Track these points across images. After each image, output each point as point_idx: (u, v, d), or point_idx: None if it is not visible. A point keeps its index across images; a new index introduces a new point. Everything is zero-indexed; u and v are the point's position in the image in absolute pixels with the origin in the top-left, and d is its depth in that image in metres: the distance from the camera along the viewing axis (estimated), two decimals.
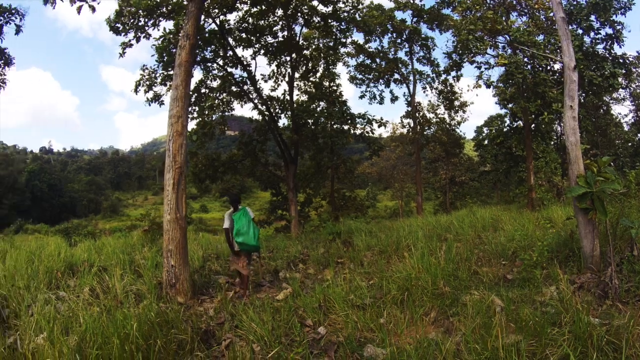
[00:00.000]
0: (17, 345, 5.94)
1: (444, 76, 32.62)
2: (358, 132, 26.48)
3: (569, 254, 9.00)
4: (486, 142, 43.32)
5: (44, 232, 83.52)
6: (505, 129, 38.21)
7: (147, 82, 25.13)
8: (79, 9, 9.37)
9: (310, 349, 5.84)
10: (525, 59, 25.62)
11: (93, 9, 9.49)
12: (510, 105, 32.92)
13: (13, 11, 25.68)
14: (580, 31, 25.25)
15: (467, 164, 48.83)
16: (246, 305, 7.71)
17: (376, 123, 25.99)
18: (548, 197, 25.04)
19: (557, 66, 25.98)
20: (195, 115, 26.82)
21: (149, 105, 25.73)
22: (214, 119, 27.80)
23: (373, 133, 26.49)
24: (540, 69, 26.00)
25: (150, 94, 25.18)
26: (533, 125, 29.56)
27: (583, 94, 26.77)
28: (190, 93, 26.50)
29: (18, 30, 25.98)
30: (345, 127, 26.78)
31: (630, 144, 45.31)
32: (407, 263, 8.77)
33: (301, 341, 6.04)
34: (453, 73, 29.67)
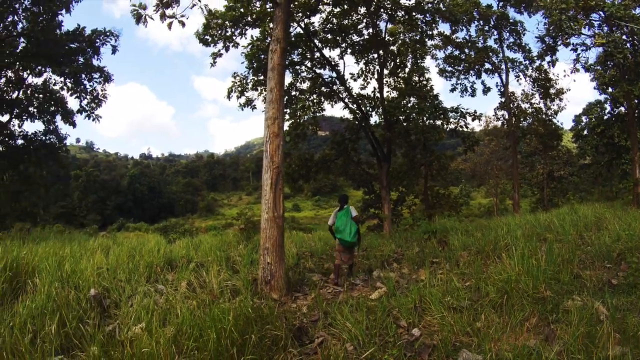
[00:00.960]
0: (116, 333, 6.16)
1: (537, 62, 30.90)
2: (451, 126, 25.78)
3: None
4: (585, 132, 42.23)
5: (143, 230, 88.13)
6: (606, 117, 37.31)
7: (239, 88, 25.90)
8: (170, 25, 9.74)
9: (404, 351, 5.72)
10: (625, 37, 23.31)
11: (183, 24, 9.78)
12: (610, 90, 31.51)
13: (108, 33, 27.50)
14: None
15: (566, 157, 46.36)
16: (340, 303, 7.69)
17: (470, 116, 25.17)
18: None
19: None
20: (287, 117, 27.27)
21: (242, 109, 26.38)
22: (305, 119, 28.17)
23: (467, 127, 25.62)
24: None
25: (242, 99, 25.92)
26: (637, 111, 27.33)
27: None
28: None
29: (114, 50, 27.78)
30: (438, 122, 26.13)
31: None
32: (506, 264, 8.46)
33: (395, 342, 5.96)
34: (547, 58, 27.70)
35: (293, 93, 27.42)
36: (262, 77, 25.00)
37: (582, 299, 6.81)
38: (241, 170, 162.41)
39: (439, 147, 34.27)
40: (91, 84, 27.44)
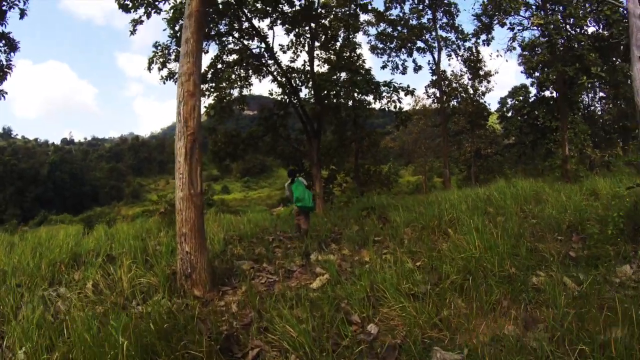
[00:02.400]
0: None
1: (472, 40, 30.60)
2: (384, 101, 24.77)
3: (636, 228, 8.05)
4: (510, 113, 43.17)
5: (67, 222, 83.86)
6: (531, 100, 38.07)
7: (161, 59, 24.00)
8: None
9: (366, 358, 4.50)
10: (561, 19, 23.83)
11: None
12: (537, 74, 31.84)
13: None
14: None
15: (492, 137, 47.28)
16: (277, 298, 6.36)
17: (402, 91, 24.29)
18: (581, 169, 24.64)
19: (590, 30, 24.86)
20: (212, 91, 25.80)
21: (164, 83, 24.51)
22: (231, 93, 26.56)
23: (400, 102, 24.75)
24: (577, 30, 24.19)
25: (164, 72, 24.07)
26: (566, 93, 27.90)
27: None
28: (206, 69, 25.64)
29: (22, 14, 24.66)
30: (370, 97, 25.27)
31: None
32: (461, 240, 7.58)
33: (351, 346, 4.69)
34: (483, 37, 27.88)
35: (219, 66, 25.68)
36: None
37: (547, 274, 6.35)
38: (167, 152, 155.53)
39: (367, 127, 33.46)
40: None
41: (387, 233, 10.74)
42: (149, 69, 24.18)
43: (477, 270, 6.38)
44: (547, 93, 34.04)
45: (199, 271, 7.03)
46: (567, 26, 24.04)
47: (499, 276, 6.22)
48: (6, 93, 25.14)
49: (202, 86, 25.25)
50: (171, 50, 23.98)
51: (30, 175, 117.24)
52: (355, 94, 26.52)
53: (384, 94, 24.35)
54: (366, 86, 23.76)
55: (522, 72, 32.92)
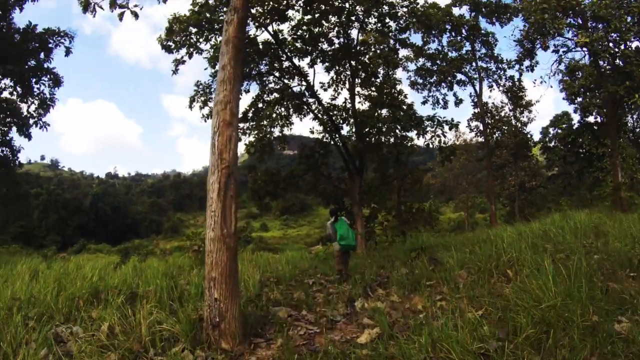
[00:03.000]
0: None
1: (516, 67, 29.26)
2: (428, 137, 23.85)
3: None
4: (553, 143, 42.03)
5: (105, 252, 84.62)
6: (575, 126, 36.90)
7: (202, 98, 24.18)
8: (121, 16, 9.01)
9: None
10: (604, 35, 22.30)
11: (136, 14, 8.93)
12: (579, 100, 31.58)
13: (62, 34, 25.03)
14: None
15: (535, 169, 45.75)
16: (318, 356, 5.40)
17: (446, 125, 23.42)
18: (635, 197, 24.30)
19: (634, 45, 22.81)
20: (253, 131, 25.72)
21: (205, 121, 24.48)
22: (272, 132, 26.14)
23: (445, 136, 23.84)
24: (624, 46, 22.66)
25: (205, 110, 24.19)
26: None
27: None
28: (247, 108, 25.30)
29: (68, 52, 25.22)
30: (413, 133, 24.51)
31: None
32: (522, 284, 6.90)
33: None
34: (526, 62, 26.87)
35: (260, 105, 25.53)
36: None
37: (631, 320, 5.43)
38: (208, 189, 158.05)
39: (409, 164, 32.61)
40: (38, 86, 24.94)
41: (439, 276, 9.66)
42: (190, 107, 24.36)
43: (556, 320, 5.38)
44: (591, 119, 33.19)
45: (229, 321, 6.09)
46: (611, 44, 22.70)
47: (581, 327, 5.19)
48: (48, 125, 25.60)
49: (242, 124, 25.14)
50: (212, 89, 23.83)
51: (74, 205, 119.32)
52: (398, 131, 25.77)
53: (428, 128, 23.56)
54: (409, 121, 23.01)
55: (563, 98, 32.05)
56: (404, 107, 25.41)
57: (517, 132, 38.16)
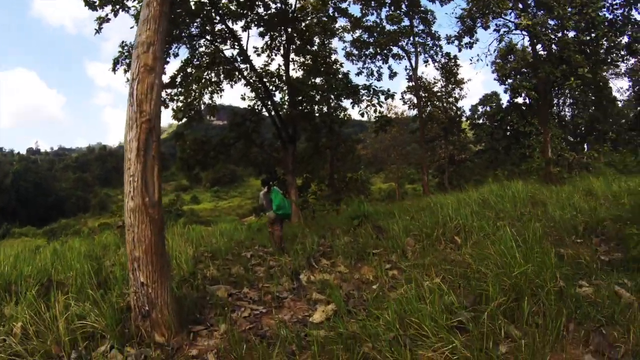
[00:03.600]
0: None
1: (455, 43, 29.01)
2: (363, 106, 23.18)
3: None
4: (481, 120, 44.27)
5: (31, 235, 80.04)
6: (504, 106, 38.10)
7: (127, 60, 22.28)
8: None
9: None
10: (550, 21, 23.66)
11: None
12: (510, 81, 32.20)
13: None
14: None
15: (463, 143, 47.06)
16: (269, 341, 4.66)
17: (382, 95, 22.79)
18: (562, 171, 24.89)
19: (571, 34, 24.03)
20: (181, 97, 23.89)
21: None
22: (202, 98, 24.69)
23: (381, 106, 23.23)
24: (561, 34, 24.04)
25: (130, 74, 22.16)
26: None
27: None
28: (175, 72, 23.80)
29: None
30: (348, 102, 23.91)
31: (623, 120, 45.69)
32: (491, 250, 6.30)
33: None
34: (466, 39, 26.74)
35: (189, 70, 23.82)
36: None
37: (591, 284, 5.53)
38: None
39: (342, 134, 32.06)
40: None
41: (385, 244, 9.12)
42: (114, 69, 22.65)
43: (527, 288, 5.03)
44: (519, 100, 34.07)
45: (160, 308, 5.02)
46: (549, 30, 23.94)
47: (552, 294, 4.92)
48: None
49: (169, 90, 23.67)
50: None
51: None
52: (331, 100, 25.07)
53: (364, 97, 22.89)
54: (345, 89, 22.24)
55: (494, 79, 33.65)
56: (340, 75, 24.63)
57: (449, 107, 39.26)
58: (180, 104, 23.29)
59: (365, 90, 22.77)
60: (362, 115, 23.84)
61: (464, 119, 43.73)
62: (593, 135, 42.81)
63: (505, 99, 39.27)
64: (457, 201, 12.50)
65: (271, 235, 11.15)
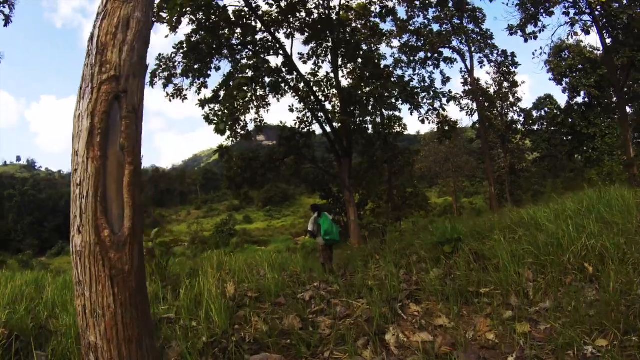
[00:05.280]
0: None
1: (519, 33, 26.05)
2: (423, 111, 20.49)
3: None
4: (537, 126, 42.00)
5: None
6: (563, 107, 37.03)
7: (165, 73, 20.56)
8: None
9: None
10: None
11: None
12: (567, 80, 32.01)
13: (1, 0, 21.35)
14: None
15: (522, 151, 44.81)
16: None
17: (444, 97, 20.09)
18: None
19: None
20: (224, 111, 21.46)
21: (170, 100, 20.96)
22: (248, 112, 22.54)
23: (444, 110, 20.56)
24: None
25: (170, 88, 20.69)
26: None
27: None
28: (217, 87, 21.72)
29: (7, 21, 21.61)
30: (405, 109, 21.41)
31: None
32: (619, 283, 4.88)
33: None
34: (529, 28, 23.80)
35: (231, 83, 21.49)
36: (193, 59, 19.93)
37: None
38: (188, 183, 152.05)
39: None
40: None
41: (494, 279, 6.38)
42: (152, 84, 21.25)
43: None
44: (579, 99, 33.68)
45: None
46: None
47: None
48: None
49: (212, 105, 21.65)
50: (176, 63, 20.88)
51: (49, 205, 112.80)
52: (386, 109, 22.63)
53: (424, 100, 20.20)
54: (402, 92, 19.59)
55: (550, 79, 32.56)
56: (394, 79, 22.04)
57: (505, 112, 38.09)
58: (222, 115, 20.96)
59: (425, 93, 20.15)
60: (423, 121, 21.28)
61: (519, 125, 41.72)
62: None
63: (562, 100, 38.38)
64: (553, 213, 9.57)
65: (322, 260, 11.11)
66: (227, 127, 20.25)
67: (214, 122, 19.93)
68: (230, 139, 22.24)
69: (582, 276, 5.91)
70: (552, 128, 38.27)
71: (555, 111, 37.57)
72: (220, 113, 21.49)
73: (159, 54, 20.97)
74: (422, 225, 18.59)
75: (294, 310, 6.36)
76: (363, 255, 11.29)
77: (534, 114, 44.15)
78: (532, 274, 6.40)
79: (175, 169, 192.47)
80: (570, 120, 33.64)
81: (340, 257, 12.75)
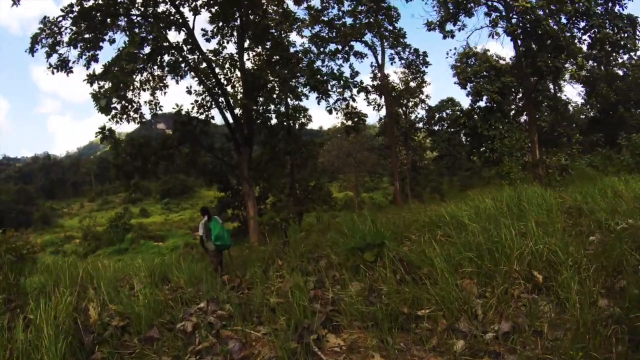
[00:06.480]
0: None
1: (437, 30, 25.50)
2: (331, 100, 19.02)
3: None
4: (437, 126, 44.52)
5: None
6: (467, 110, 36.80)
7: (49, 40, 17.59)
8: None
9: None
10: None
11: None
12: (470, 85, 32.45)
13: None
14: None
15: (423, 149, 47.76)
16: None
17: (355, 87, 18.69)
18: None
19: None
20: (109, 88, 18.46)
21: (52, 73, 18.06)
22: (137, 91, 19.97)
23: (355, 100, 19.21)
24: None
25: (53, 58, 17.74)
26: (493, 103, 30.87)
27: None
28: (106, 65, 19.03)
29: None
30: (310, 100, 19.94)
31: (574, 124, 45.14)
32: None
33: None
34: (448, 26, 23.37)
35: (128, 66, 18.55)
36: (84, 27, 17.21)
37: None
38: (82, 173, 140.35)
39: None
40: None
41: (432, 295, 5.00)
42: (32, 51, 18.07)
43: None
44: (481, 103, 34.25)
45: None
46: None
47: None
48: None
49: (102, 83, 18.76)
50: (63, 29, 18.04)
51: None
52: (290, 98, 21.08)
53: (335, 89, 18.75)
54: (312, 77, 17.94)
55: (455, 82, 33.31)
56: (302, 65, 20.42)
57: (410, 111, 40.28)
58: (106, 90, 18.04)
59: (335, 81, 18.61)
60: (330, 111, 19.82)
61: (421, 124, 44.22)
62: (553, 138, 41.37)
63: (464, 104, 40.51)
64: (473, 211, 8.73)
65: (213, 265, 10.28)
66: (111, 103, 17.35)
67: (97, 97, 16.97)
68: (116, 120, 19.49)
69: (530, 286, 5.01)
70: (452, 129, 39.62)
71: (458, 113, 38.40)
72: (105, 88, 18.76)
73: (44, 17, 18.01)
74: (327, 221, 17.22)
75: (169, 348, 4.53)
76: (263, 258, 9.44)
77: (436, 115, 46.25)
78: (475, 286, 5.20)
79: (69, 157, 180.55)
80: (471, 122, 34.23)
81: (237, 259, 11.36)
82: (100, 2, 17.78)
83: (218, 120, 21.21)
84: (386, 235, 7.01)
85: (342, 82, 18.75)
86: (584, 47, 22.64)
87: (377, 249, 6.51)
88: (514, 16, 21.66)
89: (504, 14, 22.22)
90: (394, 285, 5.43)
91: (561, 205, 8.87)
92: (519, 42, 22.65)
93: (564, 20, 21.35)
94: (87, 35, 18.39)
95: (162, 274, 8.09)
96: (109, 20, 18.52)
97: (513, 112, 38.18)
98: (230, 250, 11.66)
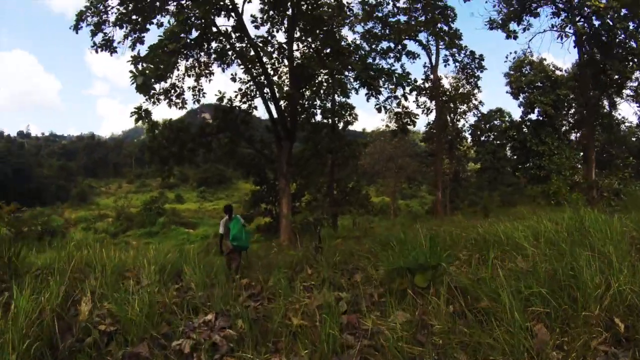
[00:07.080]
0: None
1: (499, 30, 24.16)
2: (382, 98, 17.87)
3: None
4: (484, 137, 41.76)
5: None
6: (517, 121, 35.88)
7: (94, 18, 17.27)
8: None
9: None
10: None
11: None
12: (523, 95, 31.51)
13: None
14: None
15: (467, 160, 46.64)
16: None
17: (408, 85, 17.53)
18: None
19: None
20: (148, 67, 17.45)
21: (97, 52, 17.57)
22: (176, 72, 19.36)
23: (407, 99, 18.11)
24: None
25: (98, 37, 17.22)
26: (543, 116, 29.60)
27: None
28: (152, 47, 18.29)
29: None
30: (360, 97, 19.04)
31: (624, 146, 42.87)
32: None
33: None
34: (511, 25, 22.18)
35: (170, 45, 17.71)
36: (131, 7, 16.63)
37: None
38: (124, 155, 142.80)
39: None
40: None
41: (492, 341, 3.96)
42: (76, 28, 17.43)
43: None
44: (533, 116, 33.12)
45: None
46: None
47: None
48: None
49: (145, 65, 17.98)
50: (109, 8, 17.39)
51: None
52: (338, 94, 20.27)
53: (386, 85, 17.65)
54: (364, 70, 16.81)
55: (507, 92, 32.66)
56: (356, 57, 19.40)
57: (457, 118, 38.56)
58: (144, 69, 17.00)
59: (387, 76, 17.53)
60: (379, 110, 18.54)
61: (467, 134, 42.09)
62: (604, 159, 39.14)
63: (515, 115, 38.69)
64: (530, 232, 7.40)
65: (227, 265, 10.05)
66: (149, 82, 16.37)
67: (135, 75, 16.05)
68: (153, 101, 18.83)
69: (609, 335, 3.98)
70: (498, 142, 38.38)
71: (507, 124, 37.16)
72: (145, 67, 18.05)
73: None
74: (364, 226, 16.29)
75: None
76: (291, 262, 8.51)
77: (482, 125, 44.25)
78: (545, 330, 4.12)
79: (113, 139, 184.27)
80: (521, 135, 32.78)
81: (262, 260, 10.97)
82: None
83: (260, 112, 20.57)
84: (443, 256, 5.83)
85: (394, 78, 17.49)
86: None
87: (432, 271, 5.39)
88: (581, 20, 20.50)
89: (569, 17, 21.11)
90: (449, 321, 4.39)
91: (625, 234, 7.23)
92: (585, 47, 21.30)
93: (632, 26, 19.96)
94: (134, 17, 17.87)
95: (174, 270, 7.21)
96: (158, 3, 17.92)
97: (564, 128, 36.40)
98: (257, 248, 11.78)
